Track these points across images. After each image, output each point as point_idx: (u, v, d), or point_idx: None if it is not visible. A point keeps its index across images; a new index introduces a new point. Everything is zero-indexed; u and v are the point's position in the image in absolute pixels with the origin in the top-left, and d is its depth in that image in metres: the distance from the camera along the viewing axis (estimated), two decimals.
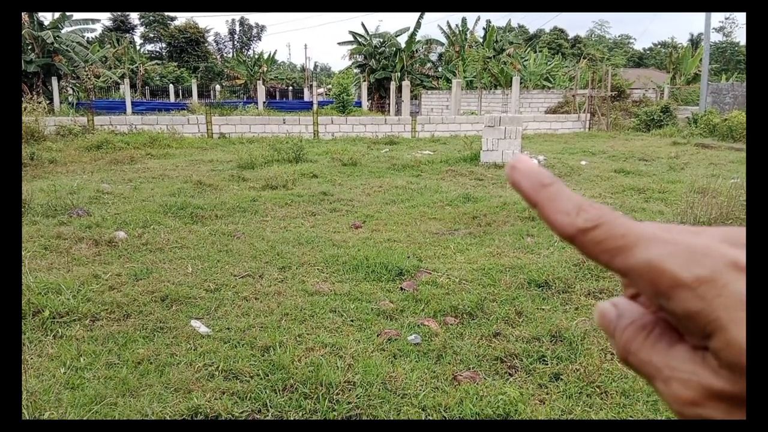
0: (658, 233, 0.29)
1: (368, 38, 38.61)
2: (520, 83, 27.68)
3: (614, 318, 0.32)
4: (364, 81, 36.89)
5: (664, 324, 0.30)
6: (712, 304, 0.27)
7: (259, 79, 38.97)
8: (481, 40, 37.37)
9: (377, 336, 3.75)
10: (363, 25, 38.83)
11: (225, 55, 70.38)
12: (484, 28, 38.72)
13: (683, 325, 0.28)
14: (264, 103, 33.61)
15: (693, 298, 0.27)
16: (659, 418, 2.89)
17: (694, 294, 0.27)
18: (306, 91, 44.04)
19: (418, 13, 35.63)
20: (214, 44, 72.01)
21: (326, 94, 47.16)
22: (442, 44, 40.15)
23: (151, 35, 64.38)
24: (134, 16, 63.01)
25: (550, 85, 32.37)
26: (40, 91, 29.63)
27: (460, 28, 37.94)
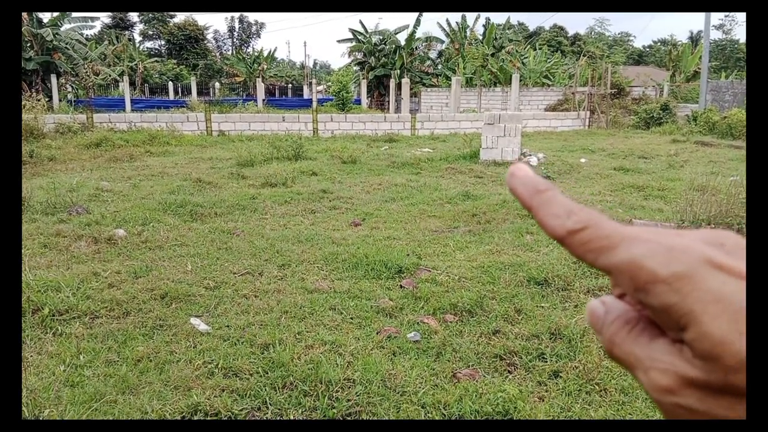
0: (640, 234, 0.31)
1: (368, 36, 38.58)
2: (520, 81, 27.67)
3: (602, 314, 0.34)
4: (364, 78, 36.86)
5: (646, 320, 0.32)
6: (687, 298, 0.29)
7: (258, 77, 38.98)
8: (480, 38, 37.32)
9: (377, 334, 3.75)
10: (361, 22, 38.86)
11: (224, 52, 70.32)
12: (483, 26, 38.70)
13: (661, 318, 0.31)
14: (263, 100, 33.61)
15: (669, 292, 0.29)
16: (658, 416, 2.89)
17: (670, 288, 0.29)
18: (305, 89, 44.02)
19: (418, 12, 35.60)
20: (214, 42, 71.98)
21: (326, 92, 47.14)
22: (442, 42, 40.11)
23: (150, 32, 64.31)
24: (133, 14, 62.94)
25: (550, 83, 32.34)
26: (39, 88, 29.60)
27: (460, 26, 37.90)
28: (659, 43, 71.40)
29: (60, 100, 29.73)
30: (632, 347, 0.32)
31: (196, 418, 2.84)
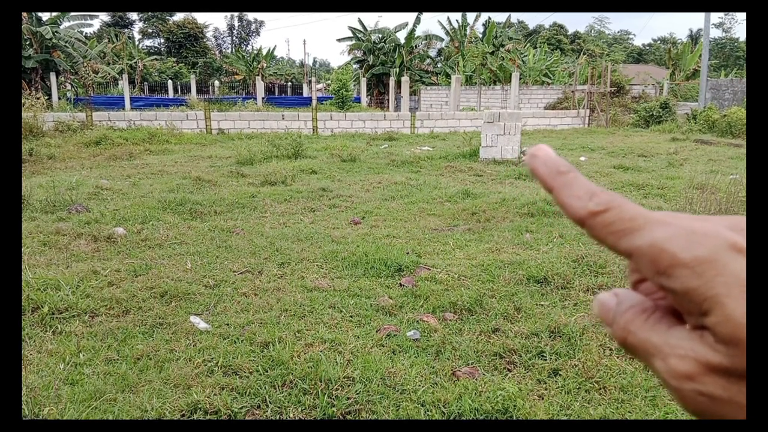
0: (663, 218, 0.31)
1: (367, 34, 38.54)
2: (520, 79, 27.66)
3: (613, 305, 0.34)
4: (363, 77, 36.84)
5: (663, 309, 0.32)
6: (710, 282, 0.28)
7: (258, 75, 38.95)
8: (480, 36, 37.30)
9: (376, 332, 3.75)
10: (360, 21, 38.75)
11: (224, 50, 70.24)
12: (483, 24, 38.67)
13: (682, 303, 0.30)
14: (263, 98, 33.58)
15: (691, 276, 0.29)
16: (657, 413, 2.90)
17: (693, 272, 0.29)
18: (305, 87, 43.99)
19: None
20: (213, 40, 71.92)
21: (325, 90, 47.12)
22: (442, 40, 40.10)
23: (150, 30, 64.27)
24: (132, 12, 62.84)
25: (550, 81, 32.35)
26: (39, 86, 29.58)
27: (460, 24, 37.88)
28: (659, 42, 71.43)
29: (59, 99, 29.72)
30: (649, 335, 0.31)
31: (195, 416, 2.85)
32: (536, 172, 0.34)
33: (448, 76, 34.89)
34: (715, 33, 62.06)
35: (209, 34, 68.39)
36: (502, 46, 35.24)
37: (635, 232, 0.31)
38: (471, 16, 38.13)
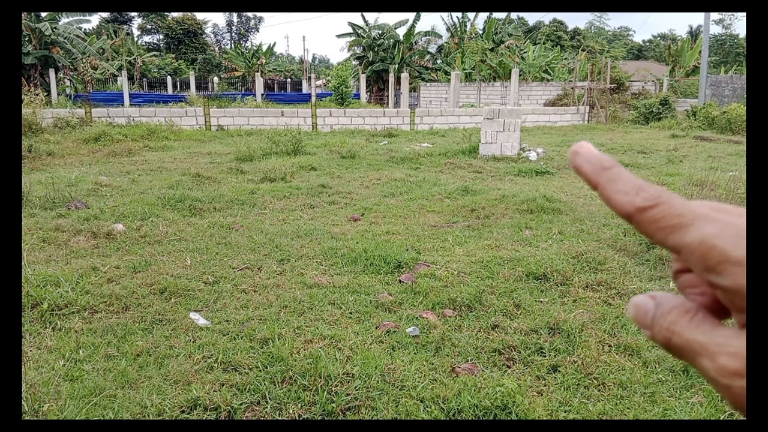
0: (712, 213, 0.31)
1: (367, 30, 38.45)
2: (519, 75, 27.60)
3: (652, 308, 0.33)
4: (363, 73, 36.77)
5: (705, 309, 0.32)
6: None
7: (257, 71, 38.84)
8: (480, 32, 37.23)
9: (376, 328, 3.76)
10: (363, 16, 38.64)
11: (223, 46, 70.12)
12: (483, 20, 38.59)
13: (732, 300, 0.30)
14: (262, 95, 33.48)
15: (743, 274, 0.29)
16: (656, 410, 2.90)
17: (745, 270, 0.29)
18: (304, 83, 43.91)
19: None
20: (212, 36, 71.80)
21: (325, 87, 47.05)
22: (441, 37, 40.03)
23: (149, 27, 64.13)
24: None
25: (549, 78, 32.28)
26: (38, 83, 29.53)
27: (460, 20, 37.80)
28: (659, 38, 71.35)
29: (58, 95, 29.68)
30: (695, 335, 0.31)
31: (195, 412, 2.85)
32: (580, 170, 0.34)
33: (447, 72, 34.84)
34: (715, 29, 61.94)
35: (208, 30, 68.31)
36: (502, 42, 35.19)
37: (684, 228, 0.31)
38: (471, 12, 38.05)
